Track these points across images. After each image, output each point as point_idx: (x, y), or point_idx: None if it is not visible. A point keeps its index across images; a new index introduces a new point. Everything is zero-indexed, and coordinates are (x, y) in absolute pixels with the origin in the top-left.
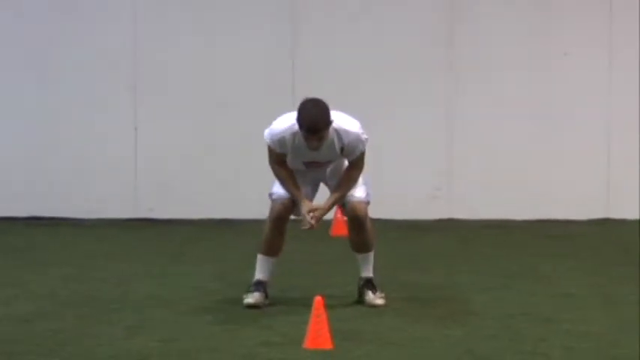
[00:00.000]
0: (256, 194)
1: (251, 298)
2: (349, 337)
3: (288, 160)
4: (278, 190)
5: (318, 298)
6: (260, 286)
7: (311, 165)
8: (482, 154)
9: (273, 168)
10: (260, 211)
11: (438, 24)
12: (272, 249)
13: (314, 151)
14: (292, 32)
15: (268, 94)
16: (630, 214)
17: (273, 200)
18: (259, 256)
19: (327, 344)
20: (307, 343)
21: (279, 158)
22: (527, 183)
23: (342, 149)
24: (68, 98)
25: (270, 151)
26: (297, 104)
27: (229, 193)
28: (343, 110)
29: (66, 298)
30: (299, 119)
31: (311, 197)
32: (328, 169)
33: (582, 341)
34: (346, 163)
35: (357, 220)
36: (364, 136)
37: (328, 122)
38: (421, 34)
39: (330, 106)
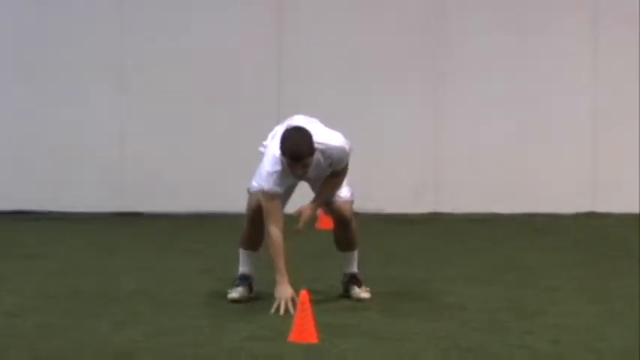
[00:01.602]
0: (243, 188)
1: (235, 293)
2: (336, 331)
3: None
4: (257, 183)
5: (303, 292)
6: (244, 280)
7: (306, 181)
8: (469, 149)
9: (272, 232)
10: (244, 205)
11: (426, 21)
12: (251, 243)
13: (298, 178)
14: (279, 24)
15: (255, 88)
16: (616, 208)
17: (250, 194)
18: (241, 251)
19: (313, 338)
20: (293, 337)
21: (275, 205)
22: (513, 177)
23: (330, 164)
24: (54, 93)
25: (268, 201)
26: (282, 98)
27: (216, 186)
28: (331, 105)
29: (52, 291)
30: (282, 148)
31: (285, 201)
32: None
33: (568, 335)
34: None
35: (343, 220)
36: (348, 147)
37: (312, 150)
38: (409, 30)
39: (316, 104)
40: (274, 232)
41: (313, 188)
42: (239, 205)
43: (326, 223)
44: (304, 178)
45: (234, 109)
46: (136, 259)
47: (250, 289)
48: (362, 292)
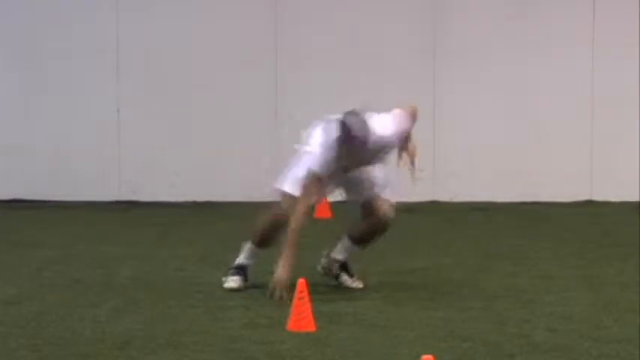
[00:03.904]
0: (239, 177)
1: (232, 282)
2: (333, 319)
3: (329, 174)
4: (290, 190)
5: (301, 281)
6: (241, 270)
7: (352, 166)
8: (466, 137)
9: (299, 217)
10: (241, 193)
11: (422, 11)
12: (265, 242)
13: (355, 162)
14: (275, 13)
15: (251, 78)
16: (613, 196)
17: (282, 198)
18: (249, 246)
19: (311, 326)
20: (290, 326)
21: (316, 188)
22: (511, 165)
23: (381, 153)
24: (51, 82)
25: (312, 182)
26: (280, 87)
27: (211, 175)
28: (327, 92)
29: (49, 280)
30: (344, 131)
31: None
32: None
33: (565, 323)
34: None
35: (387, 224)
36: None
37: (369, 131)
38: (408, 19)
39: (313, 93)
40: (301, 218)
41: (351, 188)
42: (235, 194)
43: (323, 212)
44: (355, 166)
45: (230, 100)
46: (133, 247)
47: (246, 278)
48: (355, 282)
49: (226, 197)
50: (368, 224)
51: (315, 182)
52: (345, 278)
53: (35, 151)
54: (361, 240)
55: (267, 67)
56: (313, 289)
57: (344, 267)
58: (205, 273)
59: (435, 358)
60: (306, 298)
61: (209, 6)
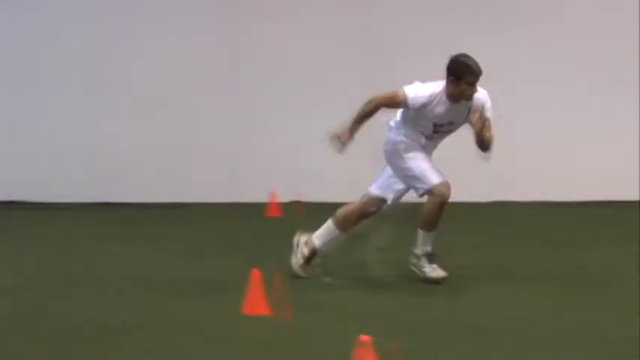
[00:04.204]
0: (216, 178)
1: (440, 271)
2: (308, 307)
3: (422, 124)
4: (374, 191)
5: (255, 271)
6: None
7: (438, 130)
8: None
9: (372, 104)
10: (210, 194)
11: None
12: (347, 227)
13: (468, 101)
14: (237, 32)
15: (222, 86)
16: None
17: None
18: (339, 232)
19: (265, 311)
20: (246, 309)
21: (392, 107)
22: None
23: (468, 111)
24: (37, 93)
25: (397, 101)
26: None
27: (182, 178)
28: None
29: (43, 277)
30: (465, 69)
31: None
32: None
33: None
34: None
35: (443, 201)
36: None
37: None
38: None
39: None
40: (373, 107)
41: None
42: (203, 195)
43: (274, 211)
44: (448, 123)
45: (192, 112)
46: (112, 245)
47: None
48: (436, 271)
49: (194, 199)
50: (428, 206)
51: (398, 100)
52: (427, 269)
53: (20, 155)
54: (428, 223)
55: (237, 78)
56: (287, 280)
57: (430, 257)
58: (175, 268)
59: (373, 338)
60: (261, 286)
61: (179, 25)
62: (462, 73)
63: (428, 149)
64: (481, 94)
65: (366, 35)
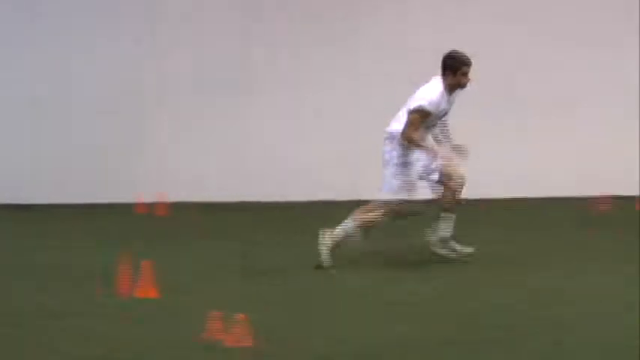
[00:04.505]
0: (115, 180)
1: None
2: (174, 289)
3: (430, 122)
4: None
5: (144, 263)
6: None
7: (438, 121)
8: None
9: (415, 135)
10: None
11: None
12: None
13: (464, 88)
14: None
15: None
16: None
17: (401, 204)
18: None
19: (153, 294)
20: (137, 293)
21: (421, 120)
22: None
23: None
24: None
25: (423, 116)
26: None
27: (95, 180)
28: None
29: None
30: (461, 60)
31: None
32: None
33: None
34: None
35: (461, 184)
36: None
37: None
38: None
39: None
40: (416, 136)
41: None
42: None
43: (142, 209)
44: (450, 104)
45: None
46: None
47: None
48: (465, 248)
49: (106, 200)
50: (447, 190)
51: (422, 117)
52: (457, 247)
53: None
54: (451, 205)
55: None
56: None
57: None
58: (97, 259)
59: (246, 316)
60: (149, 271)
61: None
62: (457, 66)
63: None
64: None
65: None
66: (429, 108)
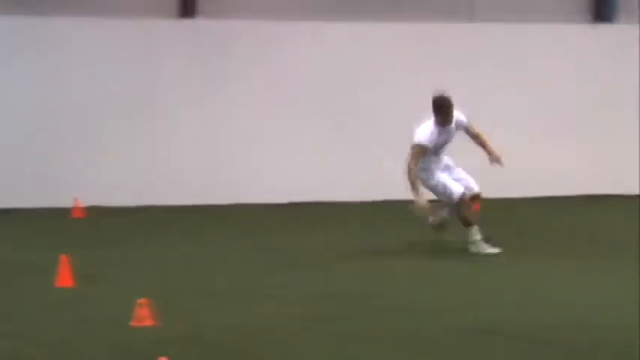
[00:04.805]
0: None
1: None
2: (108, 281)
3: (433, 150)
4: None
5: (62, 257)
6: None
7: (441, 148)
8: None
9: (414, 170)
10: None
11: None
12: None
13: (449, 125)
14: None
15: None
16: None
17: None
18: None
19: (69, 283)
20: (57, 283)
21: (421, 154)
22: None
23: (454, 129)
24: None
25: (421, 150)
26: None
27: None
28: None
29: None
30: (440, 105)
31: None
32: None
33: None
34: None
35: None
36: (461, 116)
37: (451, 103)
38: None
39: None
40: (415, 168)
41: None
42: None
43: (78, 212)
44: (448, 134)
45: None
46: None
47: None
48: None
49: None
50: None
51: (420, 152)
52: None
53: None
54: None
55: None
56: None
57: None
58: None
59: (149, 301)
60: (66, 264)
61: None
62: (436, 110)
63: (438, 161)
64: (458, 116)
65: None
66: (424, 143)
